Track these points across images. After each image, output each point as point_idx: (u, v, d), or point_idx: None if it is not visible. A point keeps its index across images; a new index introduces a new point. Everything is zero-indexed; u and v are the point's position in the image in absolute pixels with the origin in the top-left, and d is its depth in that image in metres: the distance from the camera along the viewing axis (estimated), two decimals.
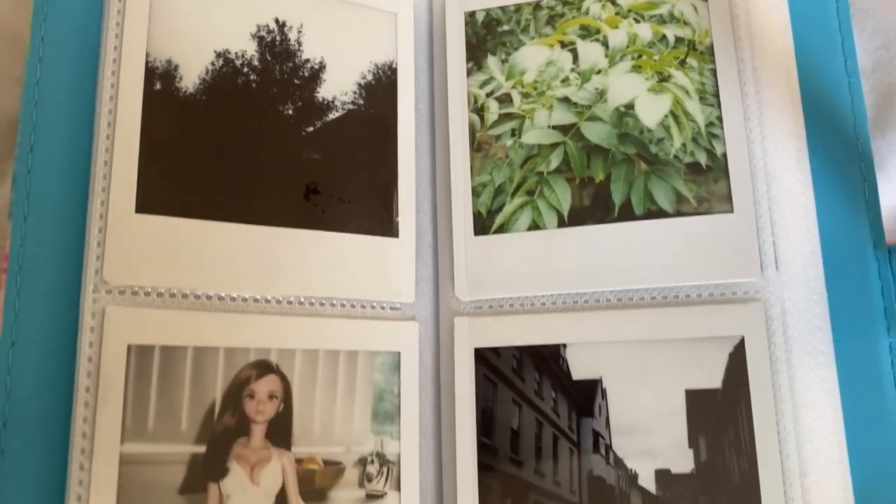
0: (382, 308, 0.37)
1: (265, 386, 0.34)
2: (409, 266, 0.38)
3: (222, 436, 0.33)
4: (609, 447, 0.35)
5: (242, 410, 0.33)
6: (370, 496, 0.35)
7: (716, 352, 0.35)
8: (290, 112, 0.37)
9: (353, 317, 0.37)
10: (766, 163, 0.36)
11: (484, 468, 0.36)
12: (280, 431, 0.34)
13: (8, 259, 0.32)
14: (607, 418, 0.35)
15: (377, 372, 0.36)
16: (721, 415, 0.34)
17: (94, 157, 0.33)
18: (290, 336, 0.35)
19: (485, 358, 0.37)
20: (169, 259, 0.33)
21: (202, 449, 0.32)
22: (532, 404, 0.36)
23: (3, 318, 0.31)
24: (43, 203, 0.32)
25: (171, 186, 0.34)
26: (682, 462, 0.34)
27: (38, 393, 0.31)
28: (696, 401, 0.34)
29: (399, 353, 0.37)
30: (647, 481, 0.34)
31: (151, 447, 0.32)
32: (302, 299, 0.36)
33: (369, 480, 0.35)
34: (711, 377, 0.34)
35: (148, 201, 0.33)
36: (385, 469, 0.36)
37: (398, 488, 0.36)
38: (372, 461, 0.35)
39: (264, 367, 0.34)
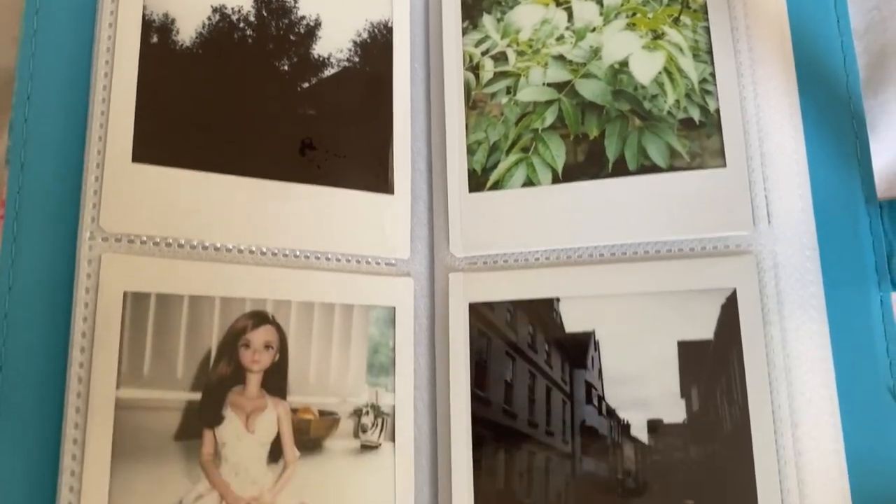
0: (378, 263, 0.38)
1: (261, 336, 0.34)
2: (404, 223, 0.38)
3: (217, 384, 0.33)
4: (602, 398, 0.35)
5: (238, 359, 0.34)
6: (365, 447, 0.35)
7: (708, 304, 0.35)
8: (286, 68, 0.37)
9: (348, 271, 0.37)
10: (759, 119, 0.36)
11: (478, 420, 0.36)
12: (275, 381, 0.34)
13: (5, 205, 0.32)
14: (600, 370, 0.35)
15: (372, 325, 0.37)
16: (713, 365, 0.34)
17: (91, 108, 0.33)
18: (286, 288, 0.35)
19: (479, 312, 0.37)
20: (165, 208, 0.33)
21: (197, 396, 0.33)
22: (525, 357, 0.36)
23: None
24: (40, 151, 0.33)
25: (167, 137, 0.34)
26: (675, 412, 0.34)
27: (34, 338, 0.31)
28: (689, 352, 0.35)
29: (394, 307, 0.37)
30: (640, 431, 0.34)
31: (147, 393, 0.32)
32: (297, 252, 0.36)
33: (364, 431, 0.35)
34: (704, 329, 0.35)
35: (144, 151, 0.33)
36: (380, 421, 0.36)
37: (392, 440, 0.36)
38: (367, 412, 0.36)
39: (260, 318, 0.34)
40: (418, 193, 0.39)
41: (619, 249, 0.37)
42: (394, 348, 0.37)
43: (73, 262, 0.32)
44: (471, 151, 0.39)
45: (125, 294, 0.32)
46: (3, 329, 0.31)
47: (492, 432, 0.36)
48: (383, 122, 0.39)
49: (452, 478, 0.35)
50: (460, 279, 0.38)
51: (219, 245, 0.34)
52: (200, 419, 0.32)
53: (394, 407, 0.36)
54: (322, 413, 0.35)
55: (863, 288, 0.35)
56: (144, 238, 0.33)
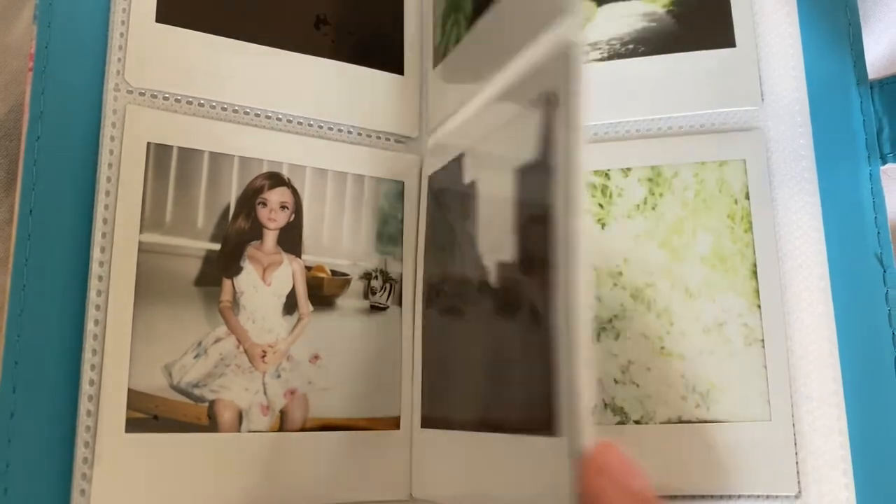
0: (388, 140, 0.39)
1: (277, 196, 0.36)
2: (413, 103, 0.40)
3: (236, 237, 0.35)
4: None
5: (255, 216, 0.35)
6: (374, 307, 0.37)
7: None
8: None
9: (359, 144, 0.38)
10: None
11: (426, 283, 0.37)
12: (291, 239, 0.36)
13: (34, 59, 0.33)
14: None
15: (382, 198, 0.38)
16: None
17: None
18: (301, 153, 0.37)
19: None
20: (186, 68, 0.35)
21: (216, 247, 0.34)
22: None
23: (29, 113, 0.33)
24: (66, 6, 0.34)
25: (189, 1, 0.35)
26: None
27: (61, 183, 0.32)
28: None
29: (403, 182, 0.39)
30: None
31: (169, 239, 0.33)
32: (311, 121, 0.37)
33: (373, 294, 0.37)
34: None
35: (168, 12, 0.35)
36: (388, 285, 0.37)
37: (400, 304, 0.37)
38: (376, 277, 0.37)
39: (277, 179, 0.36)
40: (426, 76, 0.41)
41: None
42: (402, 220, 0.38)
43: (98, 113, 0.33)
44: None
45: (148, 145, 0.33)
46: (33, 174, 0.32)
47: (432, 293, 0.37)
48: (394, 4, 0.40)
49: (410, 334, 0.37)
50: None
51: (237, 107, 0.36)
52: (219, 268, 0.34)
53: (401, 275, 0.38)
54: (334, 273, 0.36)
55: (853, 162, 0.37)
56: (167, 94, 0.34)
